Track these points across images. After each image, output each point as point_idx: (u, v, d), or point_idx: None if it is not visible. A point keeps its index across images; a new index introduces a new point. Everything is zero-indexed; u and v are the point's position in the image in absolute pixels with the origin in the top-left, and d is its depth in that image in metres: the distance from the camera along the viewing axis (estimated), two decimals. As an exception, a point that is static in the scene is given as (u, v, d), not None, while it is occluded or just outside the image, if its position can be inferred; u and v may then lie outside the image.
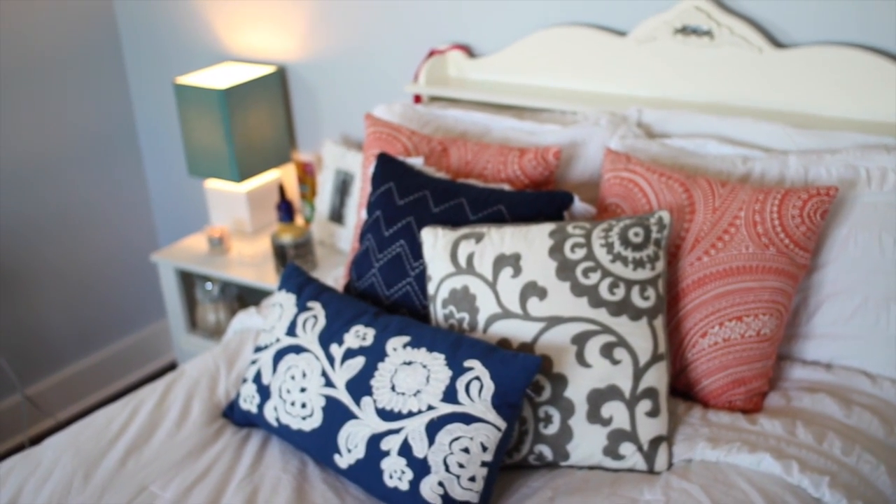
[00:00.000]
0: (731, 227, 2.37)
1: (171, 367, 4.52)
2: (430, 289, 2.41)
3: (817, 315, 2.48)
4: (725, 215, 2.38)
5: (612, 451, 2.19)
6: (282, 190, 3.70)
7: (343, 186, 3.60)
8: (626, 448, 2.19)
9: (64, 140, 4.14)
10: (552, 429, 2.20)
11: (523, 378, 2.07)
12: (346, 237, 3.61)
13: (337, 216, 3.65)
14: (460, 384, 2.09)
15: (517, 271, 2.28)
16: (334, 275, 3.16)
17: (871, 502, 2.09)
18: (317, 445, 2.24)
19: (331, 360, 2.26)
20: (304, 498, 2.20)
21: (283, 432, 2.32)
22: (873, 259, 2.42)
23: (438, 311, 2.38)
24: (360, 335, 2.26)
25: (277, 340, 2.38)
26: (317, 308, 2.37)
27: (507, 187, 2.62)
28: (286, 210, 3.63)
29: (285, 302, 2.44)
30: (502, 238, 2.33)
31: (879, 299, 2.41)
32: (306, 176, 3.93)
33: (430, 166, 2.77)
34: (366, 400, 2.16)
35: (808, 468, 2.09)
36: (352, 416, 2.17)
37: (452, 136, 3.05)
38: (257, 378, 2.39)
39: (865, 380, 2.42)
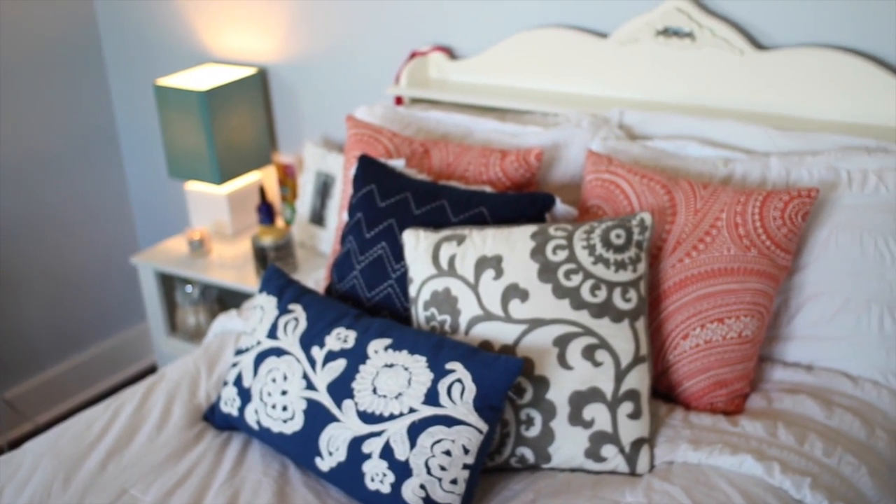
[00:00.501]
0: (713, 229, 2.37)
1: (151, 370, 4.50)
2: (412, 291, 2.40)
3: (798, 317, 2.49)
4: (707, 217, 2.39)
5: (593, 453, 2.19)
6: (262, 192, 3.69)
7: (324, 188, 3.59)
8: (608, 450, 2.19)
9: (43, 141, 4.12)
10: (534, 431, 2.20)
11: (505, 380, 2.06)
12: (327, 239, 3.60)
13: (318, 218, 3.64)
14: (442, 387, 2.08)
15: (499, 273, 2.27)
16: (315, 277, 3.15)
17: (852, 504, 2.09)
18: (298, 448, 2.24)
19: (312, 362, 2.25)
20: (285, 501, 2.19)
21: (264, 435, 2.31)
22: (854, 261, 2.42)
23: (420, 314, 2.38)
24: (341, 338, 2.25)
25: (258, 343, 2.37)
26: (298, 310, 2.36)
27: (488, 189, 2.62)
28: (267, 212, 3.62)
29: (266, 304, 2.43)
30: (484, 240, 2.33)
31: (860, 301, 2.42)
32: (287, 178, 3.92)
33: (411, 168, 2.76)
34: (347, 403, 2.15)
35: (789, 470, 2.09)
36: (333, 418, 2.16)
37: (434, 137, 3.05)
38: (238, 381, 2.38)
39: (846, 381, 2.42)
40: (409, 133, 3.06)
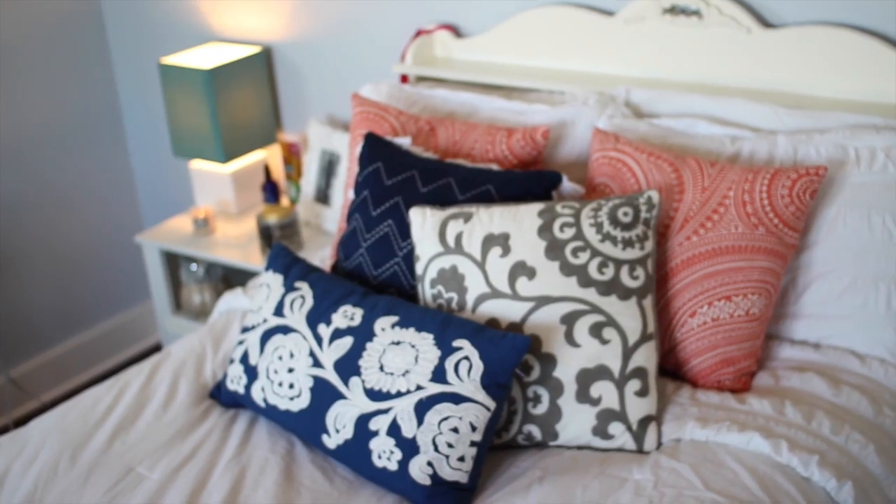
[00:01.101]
0: (721, 207, 2.36)
1: (156, 348, 4.51)
2: (419, 269, 2.40)
3: (806, 295, 2.48)
4: (714, 195, 2.38)
5: (601, 430, 2.19)
6: (267, 171, 3.68)
7: (329, 167, 3.58)
8: (616, 428, 2.18)
9: (47, 121, 4.12)
10: (541, 409, 2.19)
11: (512, 358, 2.06)
12: (332, 218, 3.60)
13: (323, 197, 3.63)
14: (449, 364, 2.08)
15: (506, 251, 2.27)
16: (320, 255, 3.15)
17: (859, 482, 2.09)
18: (305, 426, 2.24)
19: (318, 340, 2.25)
20: (291, 479, 2.19)
21: (271, 413, 2.31)
22: (862, 239, 2.42)
23: (427, 291, 2.37)
24: (348, 315, 2.25)
25: (265, 321, 2.37)
26: (304, 288, 2.36)
27: (495, 167, 2.61)
28: (271, 191, 3.62)
29: (272, 282, 2.42)
30: (491, 218, 2.32)
31: (868, 279, 2.42)
32: (292, 156, 3.91)
33: (417, 146, 2.76)
34: (354, 380, 2.15)
35: (797, 447, 2.09)
36: (340, 396, 2.16)
37: (440, 116, 3.04)
38: (244, 359, 2.38)
39: (854, 359, 2.42)
40: (415, 111, 3.05)
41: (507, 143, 2.72)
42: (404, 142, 2.73)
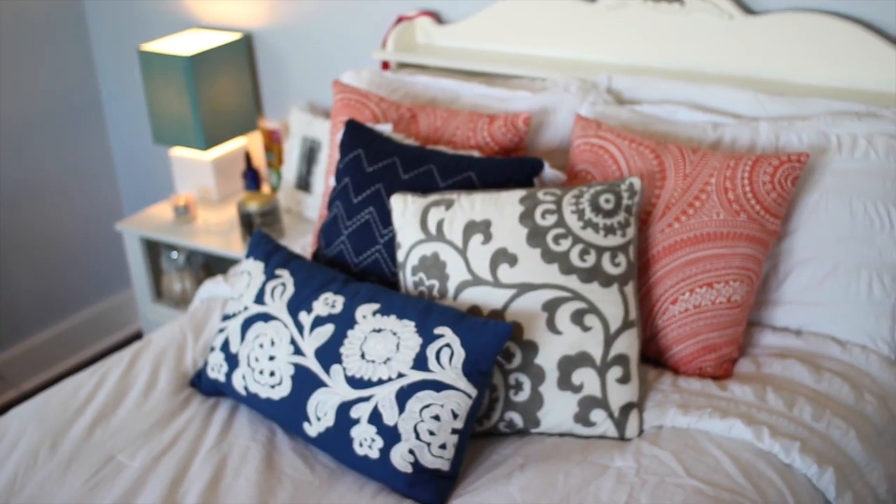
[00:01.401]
0: (702, 194, 2.36)
1: (137, 336, 4.49)
2: (400, 256, 2.39)
3: (787, 281, 2.48)
4: (696, 182, 2.38)
5: (582, 417, 2.18)
6: (248, 158, 3.67)
7: (310, 154, 3.57)
8: (597, 415, 2.18)
9: (26, 108, 4.09)
10: (523, 396, 2.19)
11: (494, 345, 2.06)
12: (313, 205, 3.59)
13: (304, 184, 3.62)
14: (431, 351, 2.07)
15: (487, 238, 2.26)
16: (301, 243, 3.14)
17: (841, 468, 2.10)
18: (286, 414, 2.23)
19: (300, 327, 2.24)
20: (273, 467, 2.18)
21: (252, 401, 2.30)
22: (844, 226, 2.42)
23: (408, 279, 2.37)
24: (329, 303, 2.24)
25: (245, 308, 2.36)
26: (285, 276, 2.35)
27: (476, 154, 2.60)
28: (252, 178, 3.61)
29: (253, 270, 2.41)
30: (472, 205, 2.32)
31: (850, 266, 2.42)
32: (273, 143, 3.90)
33: (399, 133, 2.75)
34: (335, 368, 2.15)
35: (778, 434, 2.09)
36: (321, 384, 2.15)
37: (421, 102, 3.03)
38: (225, 346, 2.37)
39: (835, 346, 2.43)
40: (397, 98, 3.04)
41: (489, 130, 2.71)
42: (385, 129, 2.72)
